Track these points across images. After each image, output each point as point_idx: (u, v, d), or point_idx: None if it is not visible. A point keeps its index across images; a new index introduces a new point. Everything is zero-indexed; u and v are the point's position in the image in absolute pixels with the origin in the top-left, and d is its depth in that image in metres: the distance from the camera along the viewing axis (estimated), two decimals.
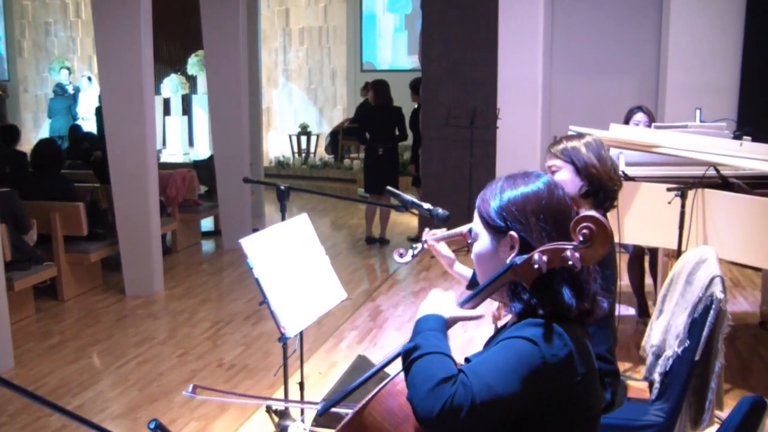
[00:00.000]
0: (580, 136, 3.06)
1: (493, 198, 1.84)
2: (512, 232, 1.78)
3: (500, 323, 2.60)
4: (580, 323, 1.78)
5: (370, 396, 1.80)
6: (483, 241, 1.87)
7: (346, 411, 2.02)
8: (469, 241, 2.72)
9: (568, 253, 1.65)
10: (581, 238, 1.64)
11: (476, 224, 1.89)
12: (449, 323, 1.79)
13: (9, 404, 4.57)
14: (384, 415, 1.77)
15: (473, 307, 1.83)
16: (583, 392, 1.70)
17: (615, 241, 3.76)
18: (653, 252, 5.72)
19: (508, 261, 1.73)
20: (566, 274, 1.73)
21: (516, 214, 1.78)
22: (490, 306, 1.95)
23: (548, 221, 1.76)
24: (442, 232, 2.89)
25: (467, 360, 1.90)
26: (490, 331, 2.10)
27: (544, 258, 1.66)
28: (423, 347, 1.67)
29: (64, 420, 4.32)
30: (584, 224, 1.64)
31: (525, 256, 1.69)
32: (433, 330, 1.73)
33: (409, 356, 1.68)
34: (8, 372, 5.13)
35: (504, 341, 1.68)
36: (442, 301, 1.83)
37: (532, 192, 1.80)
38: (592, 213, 1.66)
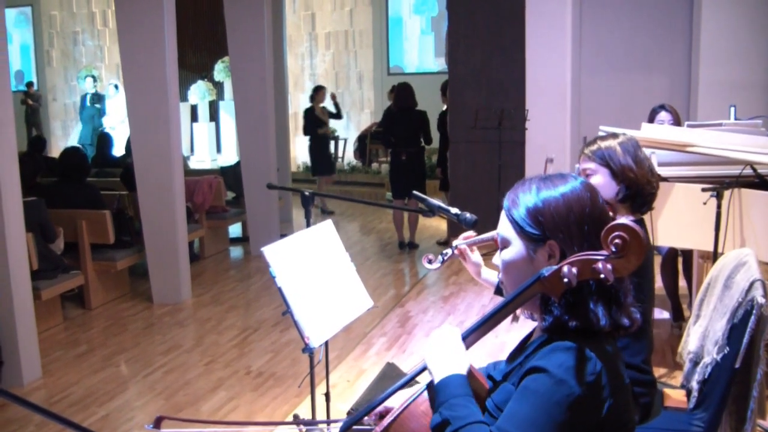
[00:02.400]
0: (614, 136, 2.96)
1: (529, 201, 1.70)
2: (552, 241, 1.66)
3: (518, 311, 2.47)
4: (612, 337, 1.68)
5: (391, 418, 1.71)
6: (516, 249, 1.73)
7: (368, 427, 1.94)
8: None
9: (600, 265, 1.53)
10: (613, 249, 1.53)
11: (506, 229, 1.75)
12: (469, 375, 1.69)
13: (35, 414, 4.54)
14: None
15: (501, 320, 1.72)
16: (618, 411, 1.61)
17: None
18: (687, 254, 5.59)
19: (542, 270, 1.61)
20: (600, 287, 1.62)
21: (557, 221, 1.65)
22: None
23: (592, 232, 1.63)
24: (471, 236, 2.79)
25: (491, 377, 1.81)
26: (522, 335, 1.98)
27: (574, 270, 1.55)
28: (453, 421, 1.58)
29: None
30: (616, 233, 1.53)
31: (553, 268, 1.58)
32: (456, 396, 1.62)
33: None
34: (36, 381, 5.12)
35: (529, 378, 1.59)
36: (454, 351, 1.70)
37: (574, 197, 1.67)
38: (625, 221, 1.55)
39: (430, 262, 2.77)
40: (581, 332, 1.61)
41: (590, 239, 1.63)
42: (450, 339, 1.73)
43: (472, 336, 1.74)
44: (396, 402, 1.83)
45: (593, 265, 1.55)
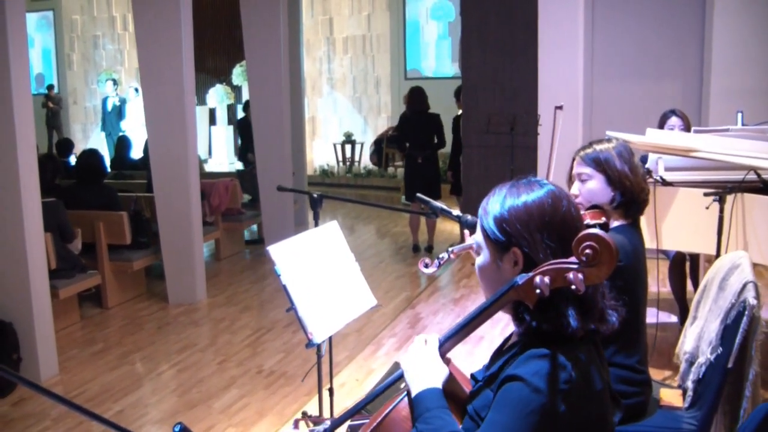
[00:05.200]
0: (608, 140, 3.01)
1: (495, 210, 1.75)
2: (516, 248, 1.70)
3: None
4: (587, 341, 1.72)
5: (375, 424, 1.78)
6: (485, 255, 1.79)
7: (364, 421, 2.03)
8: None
9: (571, 275, 1.58)
10: (584, 258, 1.57)
11: (478, 236, 1.81)
12: (445, 386, 1.76)
13: (52, 409, 4.67)
14: None
15: (479, 325, 1.77)
16: (595, 412, 1.66)
17: (652, 247, 3.71)
18: (694, 258, 5.63)
19: (511, 278, 1.67)
20: (573, 294, 1.64)
21: (520, 229, 1.69)
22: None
23: (552, 238, 1.67)
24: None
25: (473, 377, 1.87)
26: None
27: (546, 280, 1.59)
28: None
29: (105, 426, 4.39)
30: (587, 243, 1.57)
31: (527, 276, 1.62)
32: (433, 409, 1.69)
33: None
34: (53, 378, 5.24)
35: (505, 386, 1.63)
36: (431, 363, 1.78)
37: (536, 206, 1.70)
38: (596, 231, 1.58)
39: (426, 266, 2.78)
40: (554, 337, 1.65)
41: (552, 247, 1.67)
42: (426, 350, 1.81)
43: (449, 342, 1.81)
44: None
45: (565, 274, 1.59)
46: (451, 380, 1.80)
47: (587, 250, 1.56)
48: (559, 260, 1.62)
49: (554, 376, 1.58)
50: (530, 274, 1.62)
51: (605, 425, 1.71)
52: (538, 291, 1.59)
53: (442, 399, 1.71)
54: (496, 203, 1.76)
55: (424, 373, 1.76)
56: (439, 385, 1.74)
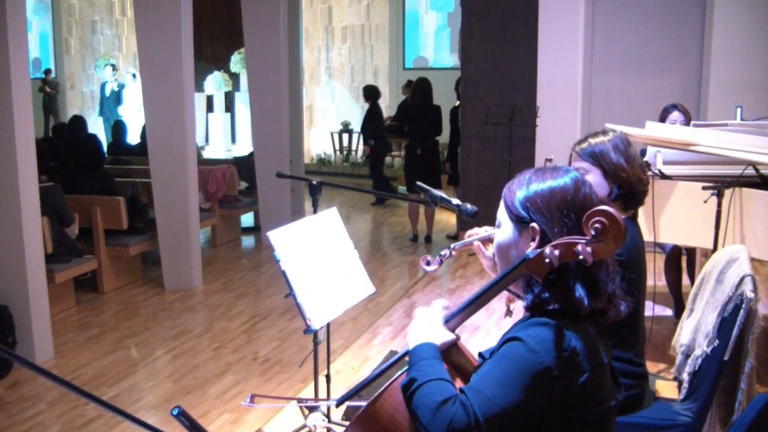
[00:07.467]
0: (604, 133, 2.99)
1: (520, 188, 1.85)
2: (534, 224, 1.78)
3: (512, 306, 2.63)
4: (594, 322, 1.77)
5: (381, 389, 1.82)
6: (505, 231, 1.87)
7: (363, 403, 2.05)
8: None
9: (580, 247, 1.64)
10: (593, 233, 1.63)
11: (501, 213, 1.91)
12: (441, 348, 1.83)
13: (47, 393, 4.67)
14: (396, 407, 1.79)
15: (488, 300, 1.83)
16: (592, 389, 1.70)
17: (650, 240, 3.70)
18: (690, 252, 5.65)
19: (527, 252, 1.73)
20: (581, 272, 1.72)
21: (540, 207, 1.78)
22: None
23: (570, 217, 1.75)
24: (475, 233, 2.77)
25: (480, 355, 1.91)
26: None
27: (556, 252, 1.66)
28: (419, 378, 1.71)
29: (101, 409, 4.40)
30: (597, 218, 1.63)
31: (537, 250, 1.70)
32: (426, 359, 1.76)
33: (408, 390, 1.72)
34: (48, 362, 5.24)
35: (505, 346, 1.70)
36: (431, 326, 1.87)
37: (559, 186, 1.79)
38: (605, 207, 1.64)
39: (428, 263, 2.74)
40: (561, 314, 1.71)
41: (569, 224, 1.74)
42: (429, 315, 1.90)
43: (461, 314, 1.88)
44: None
45: (574, 248, 1.65)
46: (460, 354, 1.88)
47: (596, 225, 1.63)
48: (569, 236, 1.70)
49: (553, 342, 1.65)
50: (541, 248, 1.71)
51: (604, 399, 1.75)
52: (547, 261, 1.67)
53: (436, 352, 1.79)
54: (523, 183, 1.86)
55: (423, 331, 1.86)
56: (435, 342, 1.82)
